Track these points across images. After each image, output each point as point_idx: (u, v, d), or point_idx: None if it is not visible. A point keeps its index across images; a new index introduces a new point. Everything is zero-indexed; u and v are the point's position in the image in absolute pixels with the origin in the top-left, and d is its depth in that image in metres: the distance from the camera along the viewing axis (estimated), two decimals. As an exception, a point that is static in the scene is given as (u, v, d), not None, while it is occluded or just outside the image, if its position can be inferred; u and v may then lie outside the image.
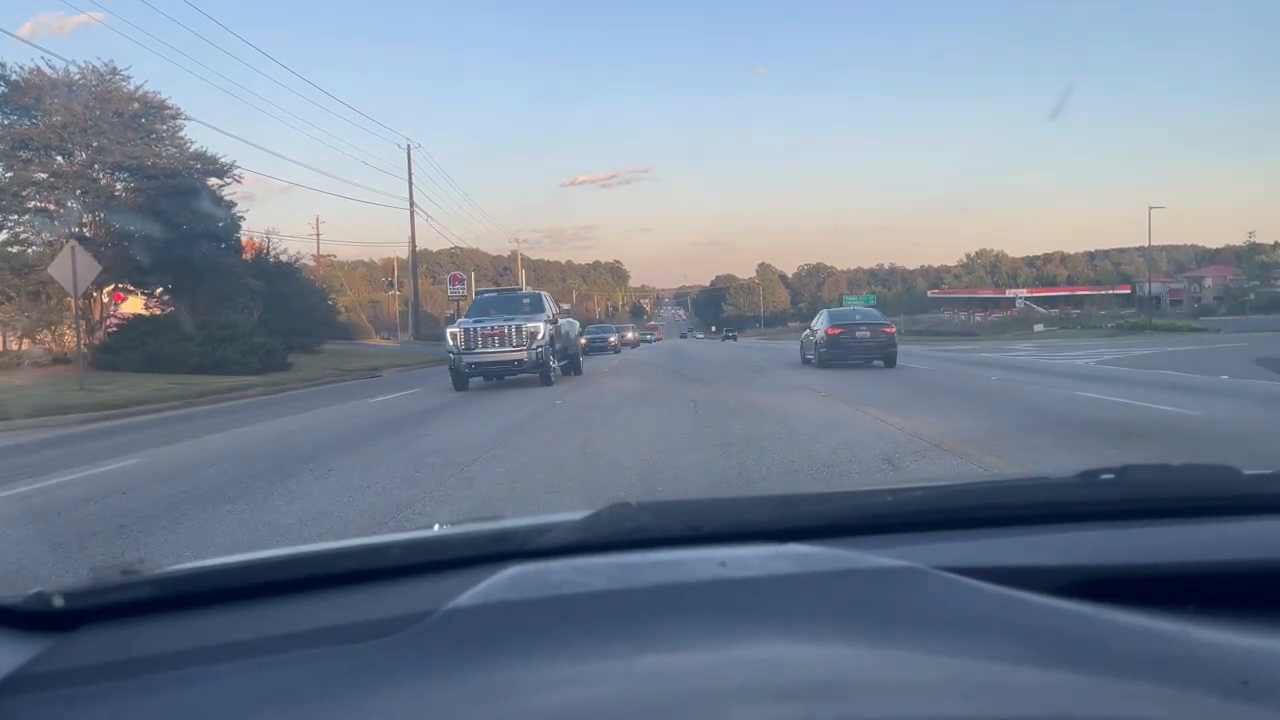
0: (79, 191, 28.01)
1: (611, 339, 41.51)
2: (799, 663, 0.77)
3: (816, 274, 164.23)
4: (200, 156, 31.22)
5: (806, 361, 22.30)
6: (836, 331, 20.62)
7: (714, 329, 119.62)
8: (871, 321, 21.11)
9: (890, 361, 20.46)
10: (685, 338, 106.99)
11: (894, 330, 21.45)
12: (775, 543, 1.01)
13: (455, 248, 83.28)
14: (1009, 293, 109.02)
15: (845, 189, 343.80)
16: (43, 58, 31.80)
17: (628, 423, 10.25)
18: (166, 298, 31.45)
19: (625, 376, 20.27)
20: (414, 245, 38.65)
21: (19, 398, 16.63)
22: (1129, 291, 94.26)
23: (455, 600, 0.88)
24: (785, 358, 26.79)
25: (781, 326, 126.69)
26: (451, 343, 16.72)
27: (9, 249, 27.78)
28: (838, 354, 20.28)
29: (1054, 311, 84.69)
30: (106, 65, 29.03)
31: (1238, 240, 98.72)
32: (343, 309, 53.30)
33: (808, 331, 23.40)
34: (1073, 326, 69.17)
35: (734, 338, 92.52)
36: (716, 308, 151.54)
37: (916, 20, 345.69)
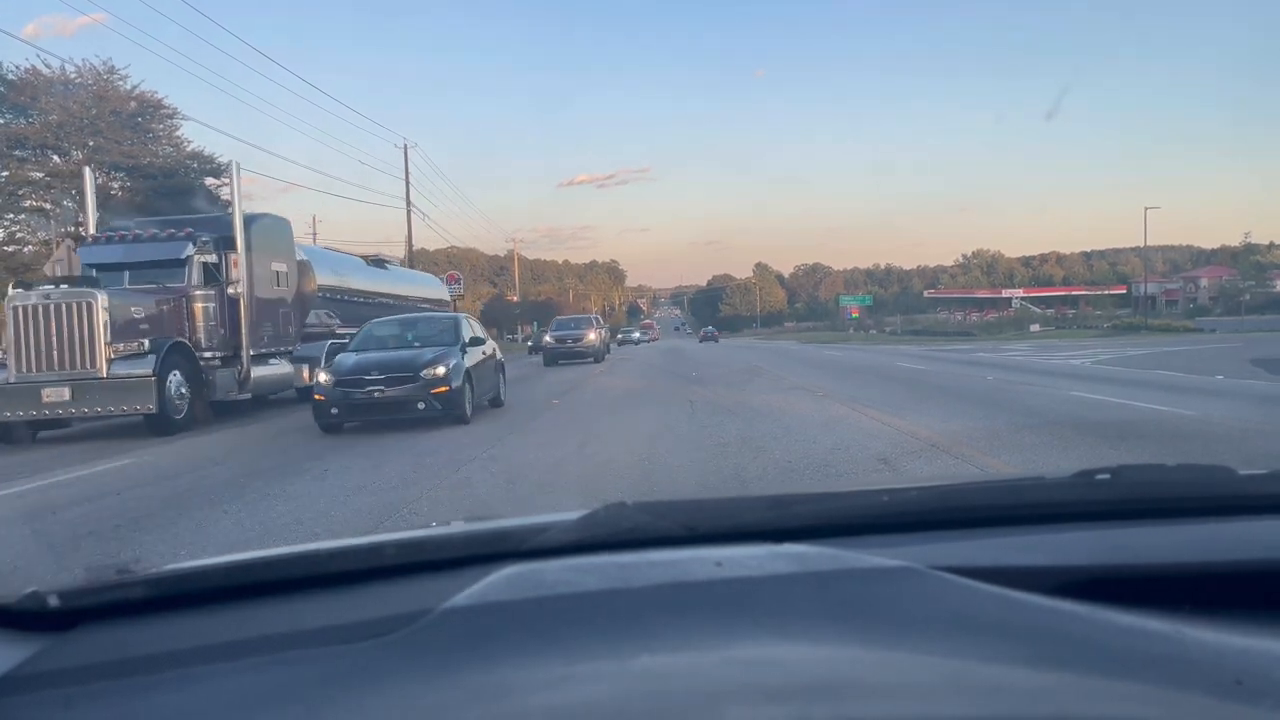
0: (75, 191, 27.94)
1: (437, 367, 10.65)
2: (795, 663, 0.77)
3: (813, 274, 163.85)
4: (197, 156, 31.18)
5: (701, 341, 66.58)
6: (703, 334, 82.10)
7: (710, 328, 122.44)
8: (713, 329, 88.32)
9: (717, 341, 67.84)
10: (679, 330, 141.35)
11: (720, 334, 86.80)
12: (771, 543, 1.01)
13: (452, 247, 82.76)
14: (1005, 293, 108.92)
15: (843, 189, 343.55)
16: (39, 56, 31.75)
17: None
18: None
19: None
20: (410, 244, 38.66)
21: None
22: (1125, 291, 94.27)
23: (451, 600, 0.88)
24: (740, 356, 32.05)
25: (779, 326, 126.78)
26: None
27: (4, 248, 27.73)
28: (704, 340, 69.78)
29: (1050, 312, 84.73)
30: (104, 64, 29.02)
31: (1234, 241, 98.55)
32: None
33: (701, 332, 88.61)
34: (1069, 326, 69.24)
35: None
36: (713, 307, 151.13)
37: (914, 21, 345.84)
